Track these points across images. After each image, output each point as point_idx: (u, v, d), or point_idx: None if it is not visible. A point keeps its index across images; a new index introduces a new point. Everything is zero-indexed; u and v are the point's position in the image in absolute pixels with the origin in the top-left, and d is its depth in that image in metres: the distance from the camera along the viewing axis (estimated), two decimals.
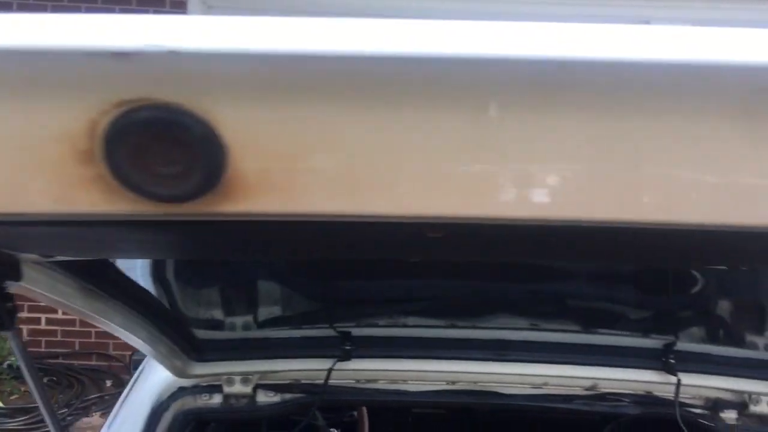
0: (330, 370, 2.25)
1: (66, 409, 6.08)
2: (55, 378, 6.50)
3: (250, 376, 2.28)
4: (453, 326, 2.39)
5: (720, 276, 2.31)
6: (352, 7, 6.40)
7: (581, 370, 2.31)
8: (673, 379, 2.24)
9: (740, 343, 2.32)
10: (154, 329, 1.88)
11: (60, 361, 6.70)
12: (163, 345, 1.99)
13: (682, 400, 2.30)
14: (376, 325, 2.37)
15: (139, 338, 1.83)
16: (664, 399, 2.29)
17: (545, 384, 2.33)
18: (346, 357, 2.27)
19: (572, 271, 2.36)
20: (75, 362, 6.71)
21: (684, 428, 2.20)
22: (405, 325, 2.38)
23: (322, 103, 0.71)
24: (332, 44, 0.68)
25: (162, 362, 2.11)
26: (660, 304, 2.38)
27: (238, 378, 2.27)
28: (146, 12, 6.81)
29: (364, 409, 2.82)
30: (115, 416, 2.25)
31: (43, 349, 6.70)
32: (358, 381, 2.34)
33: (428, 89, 0.70)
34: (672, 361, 2.24)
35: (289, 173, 0.73)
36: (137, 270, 2.20)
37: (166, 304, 2.16)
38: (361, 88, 0.71)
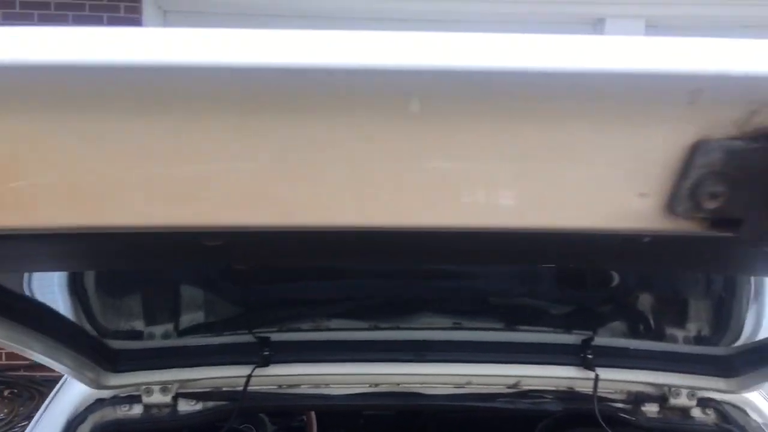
0: (249, 377, 2.23)
1: (27, 422, 6.01)
2: (16, 390, 6.43)
3: (170, 385, 2.26)
4: (374, 328, 2.37)
5: (637, 271, 2.32)
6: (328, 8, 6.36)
7: (504, 368, 2.31)
8: (592, 374, 2.24)
9: (659, 336, 2.33)
10: (53, 342, 1.85)
11: (21, 373, 6.62)
12: (67, 357, 1.95)
13: (604, 395, 2.30)
14: (297, 330, 2.36)
15: (34, 351, 1.80)
16: (586, 394, 2.29)
17: (468, 383, 2.32)
18: (265, 363, 2.25)
19: (493, 270, 2.35)
20: (36, 374, 6.63)
21: (602, 423, 2.21)
22: (326, 329, 2.37)
23: (33, 113, 0.68)
24: (31, 53, 0.66)
25: (72, 375, 2.08)
26: (578, 300, 2.39)
27: (156, 387, 2.25)
28: (100, 18, 6.75)
29: (313, 414, 2.80)
30: (32, 430, 2.22)
31: (3, 362, 6.63)
32: (280, 386, 2.33)
33: (156, 96, 0.68)
34: (590, 356, 2.25)
35: (15, 188, 0.71)
36: (54, 281, 2.18)
37: (76, 316, 2.13)
38: (70, 96, 0.68)
